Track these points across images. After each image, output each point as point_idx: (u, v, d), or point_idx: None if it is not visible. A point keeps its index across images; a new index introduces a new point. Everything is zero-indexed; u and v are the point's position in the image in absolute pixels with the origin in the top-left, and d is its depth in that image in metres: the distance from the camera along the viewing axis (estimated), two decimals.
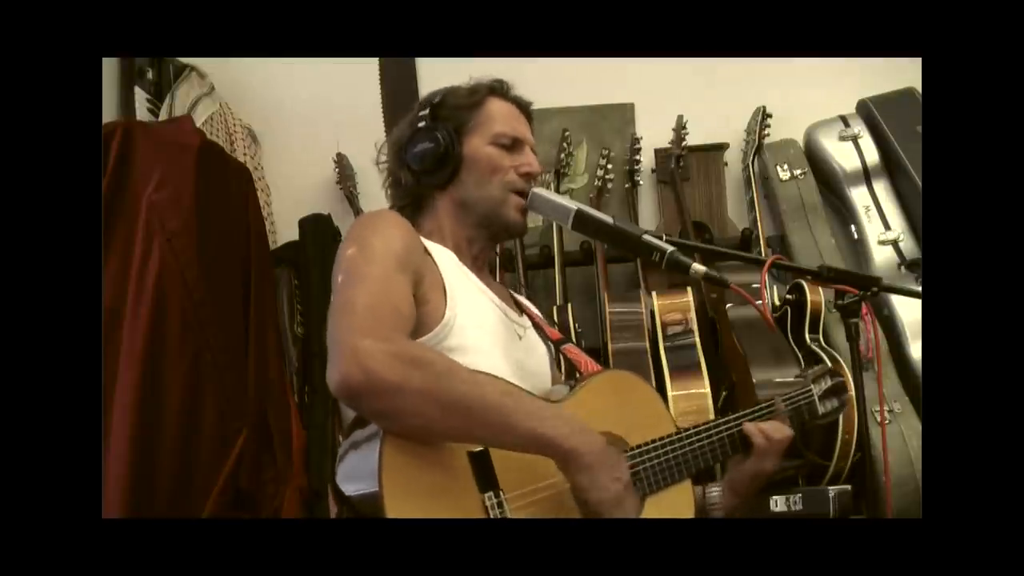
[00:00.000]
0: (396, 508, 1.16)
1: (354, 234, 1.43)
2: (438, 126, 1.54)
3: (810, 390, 1.66)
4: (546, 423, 1.26)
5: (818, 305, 2.48)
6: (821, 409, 1.67)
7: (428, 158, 1.54)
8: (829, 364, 1.87)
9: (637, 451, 1.43)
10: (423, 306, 1.38)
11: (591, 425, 1.35)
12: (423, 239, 1.48)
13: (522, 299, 1.71)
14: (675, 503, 1.47)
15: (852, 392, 1.64)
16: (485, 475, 1.25)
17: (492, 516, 1.23)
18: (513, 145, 1.56)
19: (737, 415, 1.58)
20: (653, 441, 1.46)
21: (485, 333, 1.45)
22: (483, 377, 1.28)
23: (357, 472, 1.24)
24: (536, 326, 1.63)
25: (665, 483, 1.45)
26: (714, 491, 1.59)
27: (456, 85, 1.61)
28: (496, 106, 1.58)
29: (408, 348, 1.24)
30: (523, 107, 1.62)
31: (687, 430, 1.52)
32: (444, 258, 1.48)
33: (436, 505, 1.21)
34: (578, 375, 1.56)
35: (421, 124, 1.56)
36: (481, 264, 1.59)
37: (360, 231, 1.43)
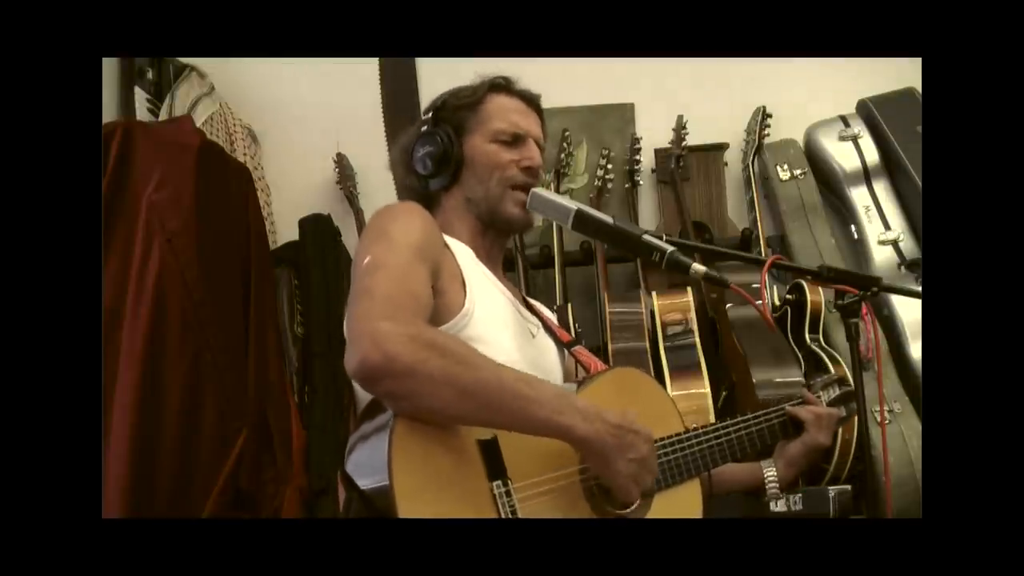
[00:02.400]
0: (405, 495, 1.17)
1: (375, 224, 1.45)
2: (439, 129, 1.58)
3: (818, 397, 1.70)
4: (560, 411, 1.27)
5: (818, 305, 2.48)
6: None
7: (430, 161, 1.57)
8: (837, 374, 1.90)
9: None
10: (441, 297, 1.40)
11: None
12: (443, 234, 1.50)
13: (534, 302, 1.72)
14: (683, 501, 1.48)
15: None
16: (494, 463, 1.26)
17: (499, 504, 1.24)
18: (514, 140, 1.57)
19: (745, 417, 1.61)
20: (662, 439, 1.47)
21: (501, 327, 1.48)
22: (499, 363, 1.29)
23: (367, 459, 1.24)
24: (547, 327, 1.64)
25: (673, 481, 1.47)
26: (771, 472, 1.68)
27: (460, 86, 1.63)
28: (497, 103, 1.60)
29: (426, 332, 1.25)
30: (529, 101, 1.63)
31: (698, 429, 1.53)
32: (462, 252, 1.51)
33: (444, 492, 1.21)
34: (586, 376, 1.57)
35: (424, 128, 1.60)
36: (495, 261, 1.61)
37: (381, 221, 1.45)
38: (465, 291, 1.44)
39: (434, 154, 1.57)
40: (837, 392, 1.73)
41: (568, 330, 2.55)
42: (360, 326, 1.23)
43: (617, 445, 1.30)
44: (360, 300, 1.28)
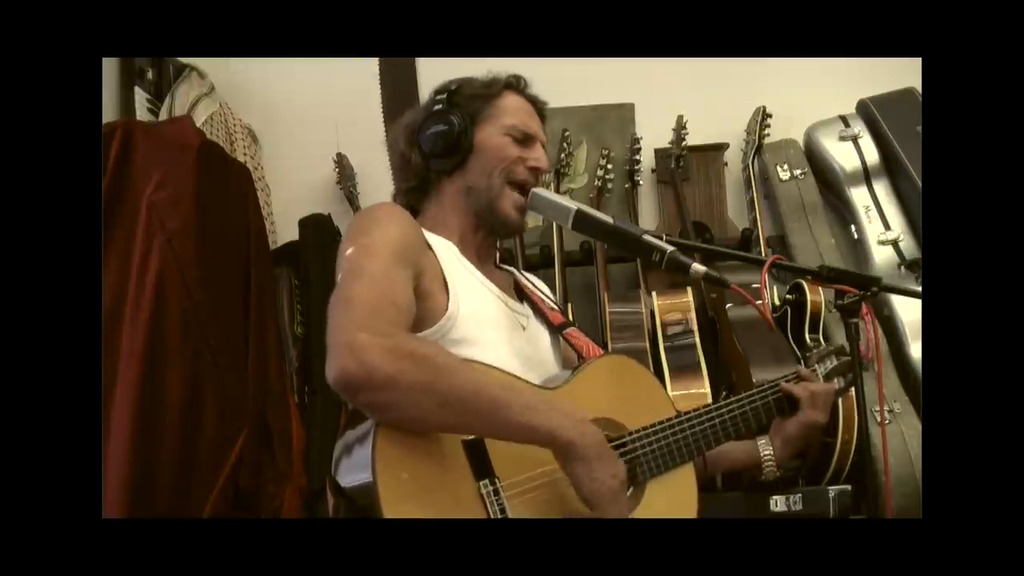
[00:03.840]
0: (391, 499, 1.17)
1: (355, 228, 1.44)
2: (453, 111, 1.55)
3: (815, 370, 1.68)
4: (542, 415, 1.27)
5: (818, 305, 2.48)
6: None
7: (440, 141, 1.55)
8: (835, 345, 1.87)
9: (638, 435, 1.44)
10: (425, 300, 1.38)
11: (589, 410, 1.37)
12: (425, 231, 1.48)
13: (526, 281, 1.70)
14: (678, 487, 1.48)
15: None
16: (480, 463, 1.26)
17: (488, 504, 1.24)
18: (524, 140, 1.57)
19: (739, 397, 1.60)
20: (654, 425, 1.46)
21: (488, 326, 1.46)
22: (480, 369, 1.28)
23: (352, 465, 1.24)
24: (539, 313, 1.63)
25: (666, 466, 1.46)
26: (767, 451, 1.65)
27: (472, 76, 1.62)
28: (511, 100, 1.59)
29: (405, 342, 1.24)
30: (537, 105, 1.63)
31: (687, 413, 1.53)
32: (445, 251, 1.49)
33: (432, 495, 1.21)
34: (580, 359, 1.57)
35: (437, 108, 1.57)
36: (485, 255, 1.59)
37: (360, 225, 1.44)
38: (448, 293, 1.42)
39: (446, 134, 1.54)
40: (834, 363, 1.72)
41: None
42: (339, 336, 1.22)
43: (600, 457, 1.29)
44: (339, 309, 1.27)
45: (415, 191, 1.59)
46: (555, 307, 1.68)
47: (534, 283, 1.71)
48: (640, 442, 1.43)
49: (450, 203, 1.56)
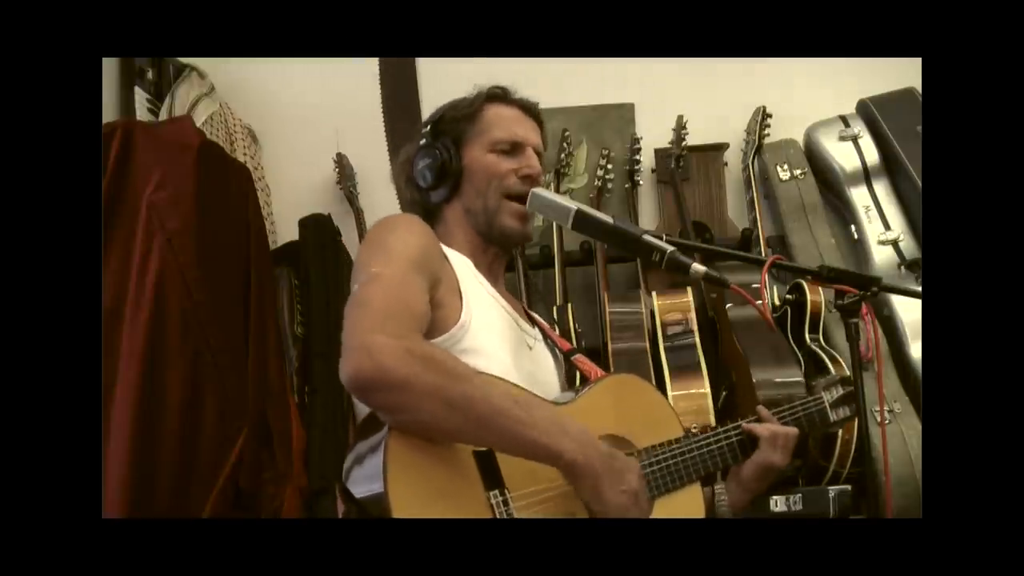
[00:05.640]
0: (401, 507, 1.17)
1: (374, 235, 1.46)
2: (437, 142, 1.58)
3: (821, 398, 1.68)
4: (550, 435, 1.27)
5: (818, 305, 2.48)
6: (832, 417, 1.70)
7: (430, 173, 1.58)
8: (840, 374, 1.86)
9: (645, 454, 1.44)
10: (439, 309, 1.39)
11: (596, 428, 1.36)
12: (442, 245, 1.50)
13: (534, 314, 1.72)
14: (685, 506, 1.48)
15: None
16: (491, 474, 1.26)
17: (498, 515, 1.24)
18: (513, 149, 1.57)
19: (748, 421, 1.60)
20: (662, 444, 1.47)
21: (498, 339, 1.47)
22: (493, 381, 1.29)
23: (363, 475, 1.25)
24: (546, 337, 1.64)
25: (674, 485, 1.46)
26: (719, 488, 1.60)
27: (458, 99, 1.64)
28: (495, 112, 1.60)
29: (420, 346, 1.26)
30: (527, 109, 1.63)
31: (695, 433, 1.53)
32: (461, 264, 1.51)
33: (441, 504, 1.22)
34: (583, 383, 1.57)
35: (423, 142, 1.60)
36: (496, 274, 1.61)
37: (380, 233, 1.45)
38: (462, 303, 1.43)
39: (433, 166, 1.57)
40: (840, 392, 1.72)
41: (568, 330, 2.55)
42: (355, 337, 1.23)
43: (607, 475, 1.30)
44: (356, 311, 1.28)
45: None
46: (562, 337, 1.70)
47: (541, 321, 1.72)
48: (648, 460, 1.44)
49: (455, 228, 1.58)
